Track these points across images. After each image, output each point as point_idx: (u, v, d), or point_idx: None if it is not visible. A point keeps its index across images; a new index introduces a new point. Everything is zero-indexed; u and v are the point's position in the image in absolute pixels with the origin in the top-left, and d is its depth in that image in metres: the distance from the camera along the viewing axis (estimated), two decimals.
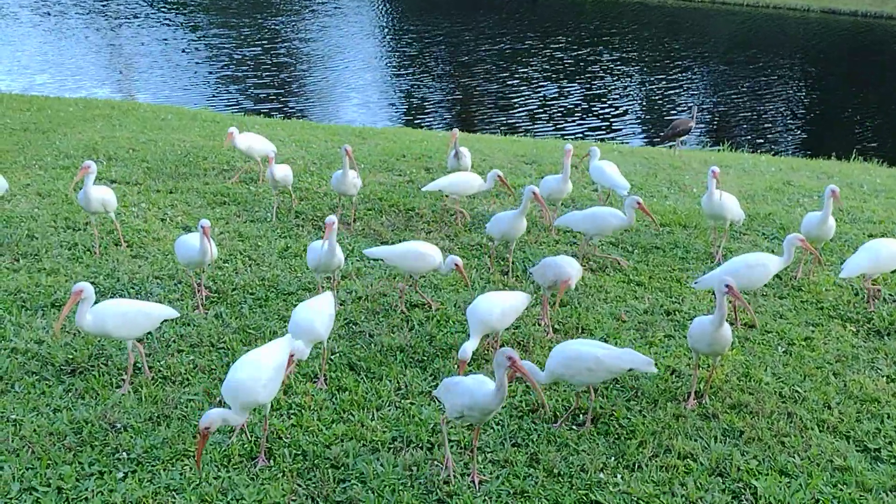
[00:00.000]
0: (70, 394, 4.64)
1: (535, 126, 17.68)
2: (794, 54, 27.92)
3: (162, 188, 8.27)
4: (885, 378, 5.12)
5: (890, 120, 19.64)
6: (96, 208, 6.42)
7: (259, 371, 3.96)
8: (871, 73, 24.79)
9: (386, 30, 31.70)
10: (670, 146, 12.30)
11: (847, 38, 31.63)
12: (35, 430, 4.28)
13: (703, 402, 4.81)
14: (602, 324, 5.76)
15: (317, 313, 4.69)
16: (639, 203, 6.35)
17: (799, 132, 18.74)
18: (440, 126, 17.04)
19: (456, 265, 5.61)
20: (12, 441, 4.19)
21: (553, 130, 17.46)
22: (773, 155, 13.46)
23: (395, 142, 11.46)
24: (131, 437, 4.26)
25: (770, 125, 18.92)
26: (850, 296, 6.29)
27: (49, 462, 4.05)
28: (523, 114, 18.95)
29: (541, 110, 19.19)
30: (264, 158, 8.44)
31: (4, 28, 25.76)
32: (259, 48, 24.78)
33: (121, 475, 3.99)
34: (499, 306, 4.99)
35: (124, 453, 4.14)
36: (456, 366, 4.90)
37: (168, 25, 27.82)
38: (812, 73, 25.23)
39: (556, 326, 5.69)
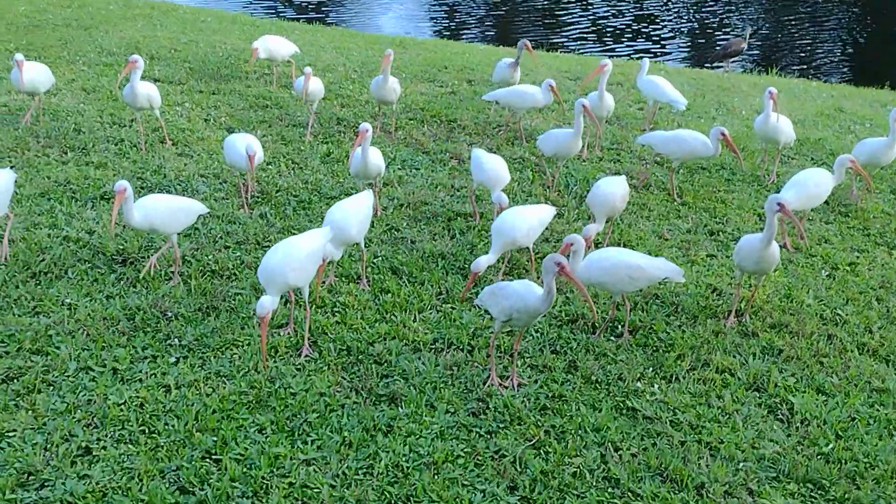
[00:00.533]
0: (122, 282, 4.77)
1: (581, 45, 17.22)
2: None
3: (205, 89, 8.26)
4: None
5: None
6: (142, 104, 6.44)
7: (291, 255, 4.07)
8: None
9: None
10: (720, 67, 11.95)
11: None
12: (89, 315, 4.42)
13: (744, 320, 4.82)
14: (644, 241, 5.74)
15: (352, 214, 4.69)
16: (723, 134, 5.95)
17: (852, 61, 18.04)
18: (482, 40, 16.67)
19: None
20: (67, 323, 4.34)
21: (599, 49, 17.00)
22: (824, 82, 13.03)
23: (435, 52, 11.26)
24: (182, 326, 4.39)
25: (823, 52, 18.23)
26: None
27: (104, 344, 4.20)
28: (569, 31, 18.43)
29: (587, 28, 18.64)
30: (286, 62, 8.49)
31: None
32: None
33: (173, 360, 4.13)
34: (525, 222, 4.87)
35: (176, 340, 4.28)
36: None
37: None
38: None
39: (598, 241, 5.68)
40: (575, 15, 19.52)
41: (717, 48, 12.19)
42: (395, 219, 5.87)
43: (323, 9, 18.67)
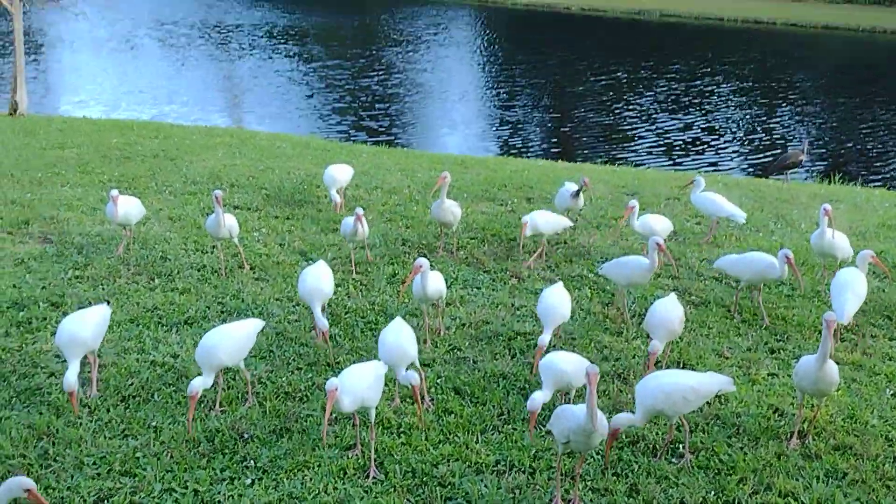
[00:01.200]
0: (202, 405, 5.09)
1: (637, 156, 17.63)
2: None
3: (279, 214, 8.83)
4: None
5: None
6: (223, 235, 6.96)
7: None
8: None
9: (494, 60, 32.27)
10: (779, 178, 12.08)
11: None
12: (173, 437, 4.73)
13: (807, 442, 4.80)
14: (704, 359, 5.81)
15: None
16: (787, 258, 6.06)
17: None
18: (541, 155, 17.25)
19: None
20: (153, 445, 4.65)
21: (654, 160, 17.37)
22: (888, 189, 13.00)
23: (495, 171, 11.74)
24: (257, 447, 4.65)
25: (887, 158, 18.18)
26: None
27: (186, 466, 4.47)
28: (625, 144, 18.93)
29: (642, 140, 19.11)
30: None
31: (134, 60, 27.74)
32: (369, 78, 25.69)
33: (248, 481, 4.37)
34: (572, 364, 4.76)
35: (252, 461, 4.53)
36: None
37: (285, 56, 29.22)
38: None
39: (658, 361, 5.78)
40: (639, 130, 20.03)
41: (776, 160, 12.37)
42: (457, 339, 6.10)
43: (392, 130, 19.68)
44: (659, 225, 7.48)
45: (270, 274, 7.18)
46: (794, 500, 4.30)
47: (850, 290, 5.73)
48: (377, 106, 22.18)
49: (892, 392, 5.38)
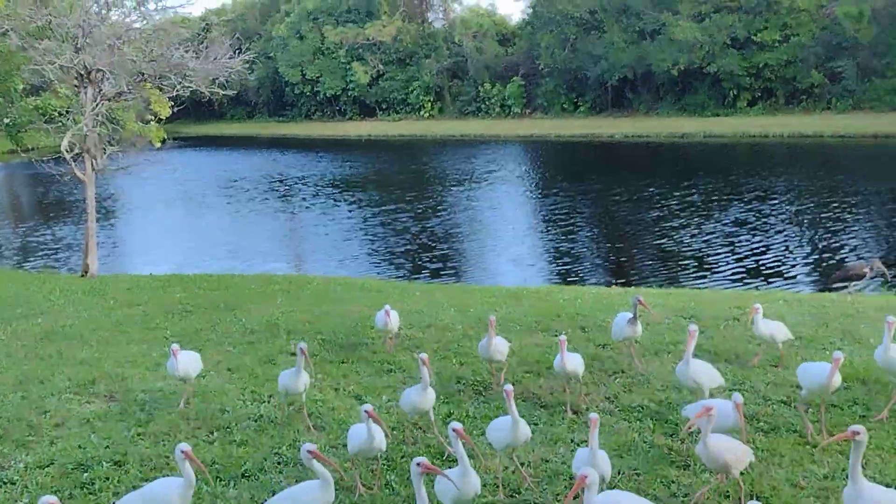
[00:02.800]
0: None
1: (692, 278, 17.45)
2: None
3: (335, 359, 8.92)
4: None
5: None
6: (300, 390, 6.93)
7: None
8: None
9: (544, 191, 32.99)
10: (843, 291, 11.72)
11: None
12: None
13: None
14: (779, 491, 5.49)
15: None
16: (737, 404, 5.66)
17: None
18: (596, 283, 17.23)
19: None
20: None
21: (711, 280, 17.15)
22: None
23: (548, 301, 11.73)
24: None
25: None
26: None
27: None
28: (681, 265, 18.81)
29: (697, 261, 18.98)
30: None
31: (200, 218, 29.22)
32: (425, 219, 26.47)
33: None
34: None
35: None
36: None
37: (346, 204, 30.48)
38: None
39: (727, 492, 5.48)
40: (694, 251, 19.94)
41: (839, 271, 12.08)
42: (515, 480, 5.91)
43: (449, 267, 20.01)
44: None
45: (326, 420, 7.17)
46: None
47: None
48: (434, 245, 22.71)
49: None
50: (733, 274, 17.55)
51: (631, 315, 8.04)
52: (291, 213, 29.13)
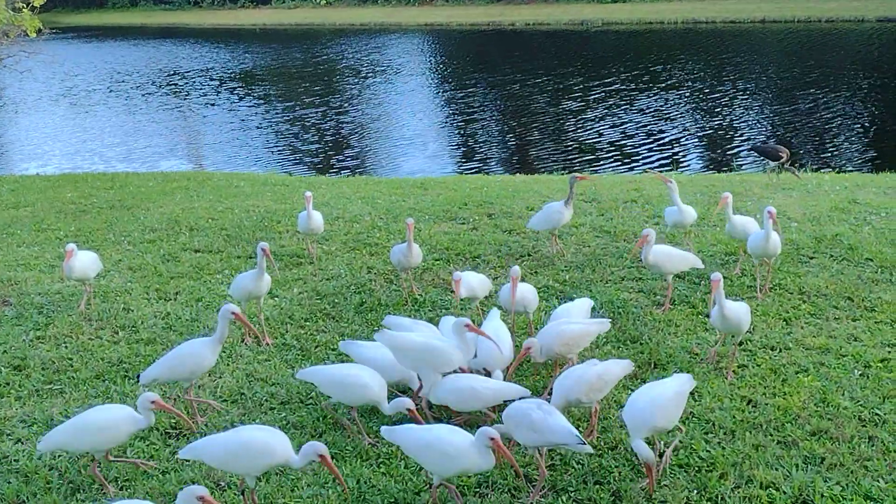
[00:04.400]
0: (176, 458, 4.99)
1: (594, 162, 17.84)
2: (852, 66, 27.44)
3: (241, 254, 8.76)
4: None
5: None
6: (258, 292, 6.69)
7: None
8: None
9: (446, 81, 32.49)
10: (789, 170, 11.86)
11: None
12: (148, 492, 4.63)
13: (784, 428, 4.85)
14: (675, 358, 5.86)
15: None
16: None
17: (863, 147, 18.38)
18: (500, 171, 17.38)
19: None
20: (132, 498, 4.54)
21: (612, 164, 17.59)
22: (838, 172, 13.30)
23: (455, 190, 11.78)
24: (235, 495, 4.57)
25: (833, 142, 18.63)
26: None
27: None
28: (580, 150, 19.15)
29: (598, 146, 19.36)
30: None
31: (88, 115, 27.39)
32: (325, 111, 25.72)
33: None
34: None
35: None
36: None
37: (241, 99, 29.17)
38: (872, 84, 24.73)
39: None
40: (593, 137, 20.29)
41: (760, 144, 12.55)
42: None
43: (352, 160, 19.67)
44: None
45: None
46: (775, 491, 4.34)
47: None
48: (336, 138, 22.22)
49: (859, 372, 5.47)
50: (622, 158, 18.02)
51: (566, 199, 8.03)
52: (190, 110, 27.73)
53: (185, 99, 29.68)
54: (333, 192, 12.17)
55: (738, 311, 5.49)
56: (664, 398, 4.41)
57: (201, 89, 31.36)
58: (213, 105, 28.25)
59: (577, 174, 8.32)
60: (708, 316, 6.53)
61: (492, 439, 4.09)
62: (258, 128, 24.12)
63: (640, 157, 18.03)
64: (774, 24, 37.88)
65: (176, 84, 32.94)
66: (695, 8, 42.95)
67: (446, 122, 23.94)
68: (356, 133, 22.85)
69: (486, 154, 19.96)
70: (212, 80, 33.45)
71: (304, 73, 34.62)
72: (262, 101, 28.47)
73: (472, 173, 16.57)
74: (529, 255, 8.40)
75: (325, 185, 13.00)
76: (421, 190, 12.02)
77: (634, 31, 40.81)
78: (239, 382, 5.85)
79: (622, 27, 42.21)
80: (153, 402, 4.56)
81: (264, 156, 20.52)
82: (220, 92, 30.57)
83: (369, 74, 33.13)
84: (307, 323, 6.86)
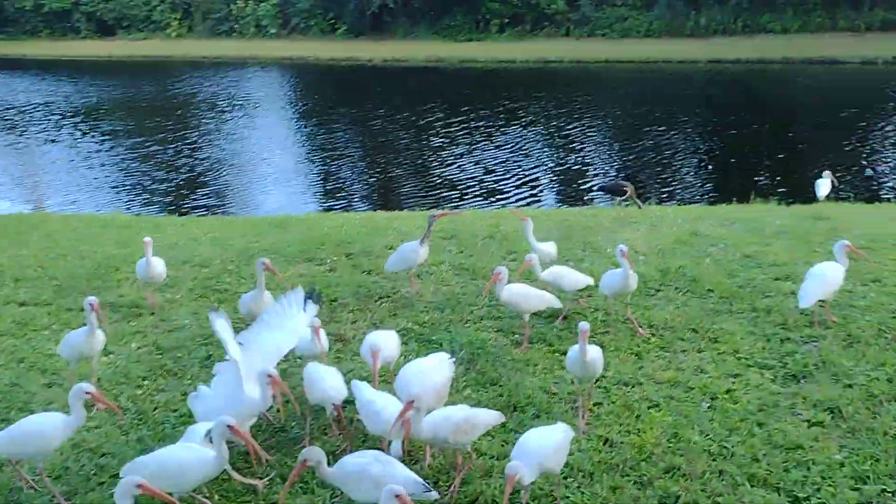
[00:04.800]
0: None
1: (456, 198, 18.01)
2: (689, 105, 29.42)
3: (73, 306, 8.02)
4: (805, 423, 5.31)
5: (782, 158, 20.82)
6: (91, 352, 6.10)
7: None
8: (759, 115, 26.30)
9: (307, 116, 32.03)
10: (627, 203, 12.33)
11: (735, 83, 33.59)
12: None
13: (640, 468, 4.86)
14: (533, 399, 5.80)
15: None
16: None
17: (702, 181, 19.63)
18: (363, 207, 17.19)
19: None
20: None
21: (474, 200, 17.82)
22: (680, 205, 14.05)
23: (314, 229, 11.44)
24: None
25: (675, 176, 19.76)
26: (764, 342, 6.54)
27: None
28: (442, 186, 19.31)
29: (459, 181, 19.59)
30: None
31: None
32: (174, 148, 24.60)
33: None
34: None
35: None
36: None
37: (78, 133, 27.42)
38: (707, 121, 26.58)
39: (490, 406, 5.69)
40: (455, 173, 20.50)
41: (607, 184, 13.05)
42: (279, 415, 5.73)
43: (208, 199, 18.85)
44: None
45: (63, 376, 6.43)
46: None
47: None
48: (190, 175, 21.29)
49: (707, 405, 5.62)
50: (483, 194, 18.33)
51: (421, 238, 7.90)
52: (27, 147, 25.70)
53: (21, 135, 27.58)
54: (183, 233, 11.51)
55: (596, 357, 5.47)
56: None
57: (40, 124, 29.29)
58: (53, 141, 26.41)
59: (435, 212, 8.23)
60: (564, 353, 6.56)
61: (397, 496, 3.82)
62: (103, 165, 22.74)
63: (501, 192, 18.39)
64: (617, 64, 40.11)
65: (11, 119, 30.58)
66: (544, 48, 44.78)
67: (308, 159, 23.52)
68: (212, 170, 21.97)
69: (348, 191, 19.72)
70: (52, 114, 31.32)
71: (156, 108, 33.12)
72: (108, 137, 26.90)
73: (336, 210, 16.27)
74: (389, 296, 8.20)
75: (173, 227, 12.29)
76: (278, 229, 11.59)
77: (490, 70, 42.00)
78: (64, 454, 5.25)
79: (478, 65, 43.34)
80: (87, 392, 4.66)
81: (109, 196, 19.30)
82: (61, 127, 28.65)
83: (227, 109, 32.16)
84: (145, 382, 6.32)
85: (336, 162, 22.61)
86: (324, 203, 18.20)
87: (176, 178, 21.08)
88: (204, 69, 46.45)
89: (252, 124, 29.06)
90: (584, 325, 5.35)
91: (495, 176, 19.88)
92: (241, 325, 7.49)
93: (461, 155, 22.32)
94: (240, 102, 33.84)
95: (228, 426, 4.35)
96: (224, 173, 21.70)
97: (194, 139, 26.15)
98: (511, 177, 19.72)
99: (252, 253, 9.75)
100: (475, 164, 21.06)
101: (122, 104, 34.54)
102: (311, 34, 57.40)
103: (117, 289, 8.52)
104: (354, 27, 56.59)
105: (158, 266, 7.74)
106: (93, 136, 26.95)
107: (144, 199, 19.02)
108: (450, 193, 18.52)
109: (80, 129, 28.21)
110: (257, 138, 26.39)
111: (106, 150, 24.55)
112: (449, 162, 21.64)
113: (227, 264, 9.41)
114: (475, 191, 18.64)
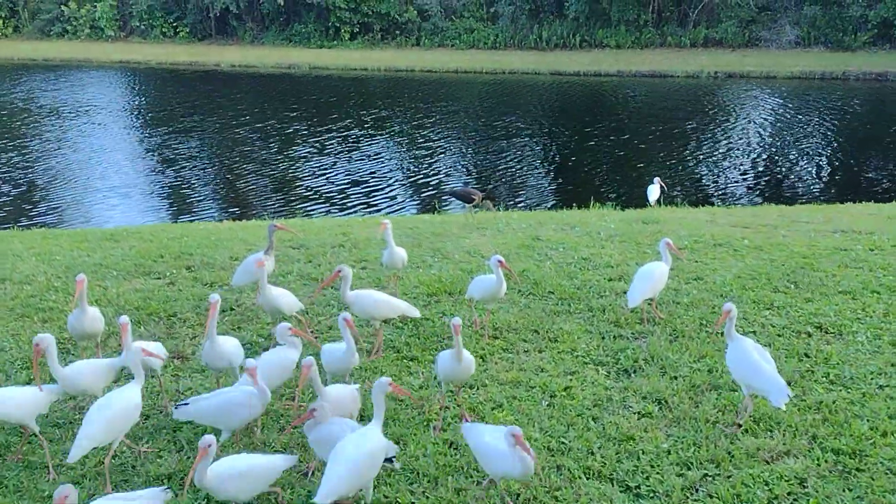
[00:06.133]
0: None
1: (303, 205, 17.71)
2: (534, 114, 30.56)
3: None
4: (636, 415, 5.61)
5: (617, 165, 22.05)
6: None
7: None
8: (596, 124, 27.74)
9: (149, 122, 30.45)
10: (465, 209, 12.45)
11: (575, 94, 35.27)
12: None
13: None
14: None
15: None
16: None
17: (546, 187, 20.42)
18: (211, 218, 16.53)
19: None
20: None
21: (321, 207, 17.60)
22: (524, 210, 14.53)
23: (151, 241, 10.86)
24: None
25: (522, 182, 20.44)
26: (599, 340, 6.86)
27: None
28: (289, 195, 18.93)
29: (306, 190, 19.30)
30: None
31: None
32: (5, 158, 22.61)
33: None
34: None
35: None
36: None
37: None
38: (551, 129, 27.72)
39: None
40: (304, 179, 20.17)
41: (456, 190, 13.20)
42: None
43: (35, 210, 17.47)
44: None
45: None
46: None
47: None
48: (18, 187, 19.63)
49: (546, 403, 5.82)
50: (342, 202, 18.19)
51: (264, 250, 7.69)
52: None
53: None
54: (1, 248, 10.59)
55: (469, 358, 5.46)
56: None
57: None
58: None
59: (275, 223, 8.05)
60: (412, 360, 6.60)
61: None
62: None
63: (351, 201, 18.28)
64: (466, 74, 41.08)
65: None
66: (395, 56, 45.15)
67: (156, 170, 22.21)
68: (50, 182, 20.38)
69: (202, 204, 18.86)
70: None
71: None
72: None
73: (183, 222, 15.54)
74: (232, 308, 7.93)
75: None
76: (111, 242, 10.90)
77: (341, 77, 41.78)
78: None
79: (330, 72, 43.00)
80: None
81: None
82: None
83: (64, 115, 30.02)
84: None
85: (188, 172, 21.62)
86: (175, 218, 17.33)
87: (5, 191, 19.40)
88: (36, 72, 43.21)
89: (93, 132, 27.30)
90: (457, 321, 5.31)
91: (346, 184, 19.76)
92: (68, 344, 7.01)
93: (310, 161, 22.02)
94: (80, 108, 31.70)
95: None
96: (59, 184, 20.21)
97: (31, 147, 24.20)
98: (362, 185, 19.67)
99: (81, 268, 9.11)
100: (332, 172, 20.85)
101: None
102: (152, 37, 54.86)
103: None
104: (198, 30, 54.63)
105: None
106: None
107: None
108: (296, 201, 18.21)
109: None
110: (98, 147, 24.79)
111: None
112: (298, 170, 21.28)
113: (51, 281, 8.75)
114: (326, 198, 18.44)
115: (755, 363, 5.17)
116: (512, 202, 17.45)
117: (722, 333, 5.55)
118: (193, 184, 20.64)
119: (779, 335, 6.84)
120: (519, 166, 21.86)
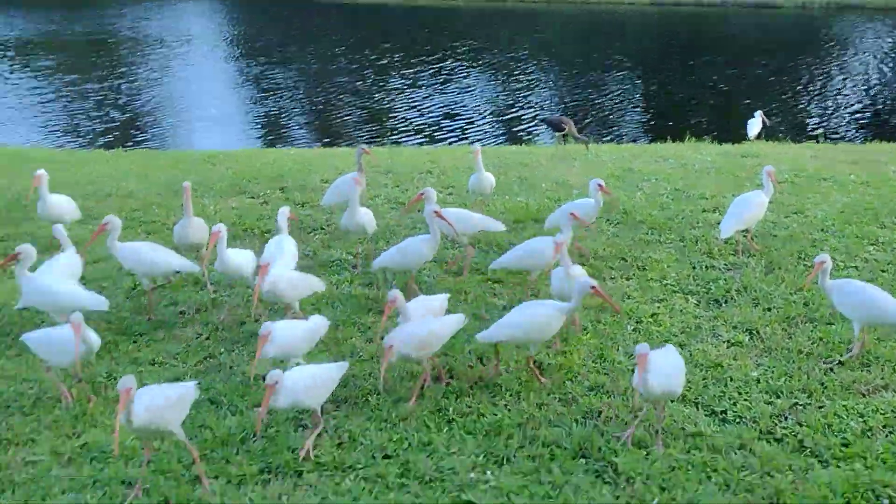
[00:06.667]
0: None
1: (395, 136, 17.78)
2: (630, 48, 29.48)
3: None
4: (725, 343, 5.49)
5: (717, 98, 21.12)
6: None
7: None
8: (696, 57, 26.54)
9: (244, 54, 30.98)
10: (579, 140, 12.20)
11: (675, 25, 33.76)
12: None
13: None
14: (466, 325, 5.83)
15: None
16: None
17: (642, 121, 19.79)
18: (303, 145, 16.84)
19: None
20: None
21: (412, 138, 17.63)
22: (617, 144, 14.14)
23: (246, 165, 11.17)
24: None
25: (612, 117, 19.87)
26: (689, 270, 6.69)
27: None
28: (381, 125, 19.03)
29: (397, 121, 19.33)
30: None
31: None
32: (109, 86, 23.51)
33: None
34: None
35: None
36: None
37: (6, 70, 25.99)
38: (649, 64, 26.69)
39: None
40: (396, 110, 20.20)
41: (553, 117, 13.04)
42: (213, 345, 5.66)
43: (142, 134, 18.20)
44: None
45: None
46: (557, 448, 4.41)
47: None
48: (124, 111, 20.45)
49: (632, 328, 5.75)
50: (433, 133, 18.15)
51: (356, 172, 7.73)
52: None
53: None
54: (109, 167, 11.13)
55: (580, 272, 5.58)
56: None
57: None
58: None
59: (363, 146, 8.10)
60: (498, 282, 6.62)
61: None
62: (36, 103, 21.56)
63: (442, 133, 18.22)
64: (561, 4, 39.90)
65: None
66: None
67: (254, 100, 22.70)
68: (151, 109, 21.13)
69: (296, 133, 19.20)
70: None
71: (92, 44, 31.59)
72: (41, 73, 25.50)
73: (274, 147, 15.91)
74: (323, 228, 8.12)
75: (98, 162, 11.84)
76: (208, 164, 11.28)
77: (435, 7, 41.28)
78: None
79: (424, 2, 42.53)
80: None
81: (41, 133, 18.41)
82: None
83: (167, 44, 30.89)
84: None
85: (283, 102, 21.99)
86: (270, 145, 17.73)
87: (114, 116, 20.24)
88: (131, 5, 44.43)
89: (195, 61, 28.00)
90: (560, 237, 5.63)
91: (436, 117, 19.68)
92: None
93: (400, 92, 21.99)
94: (183, 38, 32.52)
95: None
96: (165, 112, 20.94)
97: (137, 75, 25.08)
98: (453, 116, 19.55)
99: (178, 187, 9.45)
100: (423, 103, 20.80)
101: (57, 39, 32.86)
102: None
103: (36, 220, 8.19)
104: None
105: (55, 207, 7.31)
106: (25, 72, 25.60)
107: (78, 136, 18.23)
108: (383, 131, 18.29)
109: (11, 65, 26.77)
110: (197, 76, 25.45)
111: (39, 87, 23.35)
112: (387, 101, 21.31)
113: (153, 197, 9.15)
114: (418, 129, 18.43)
115: (871, 292, 5.09)
116: (607, 136, 17.00)
117: (816, 283, 5.29)
118: (287, 113, 20.98)
119: (882, 270, 6.51)
120: (614, 101, 21.24)
